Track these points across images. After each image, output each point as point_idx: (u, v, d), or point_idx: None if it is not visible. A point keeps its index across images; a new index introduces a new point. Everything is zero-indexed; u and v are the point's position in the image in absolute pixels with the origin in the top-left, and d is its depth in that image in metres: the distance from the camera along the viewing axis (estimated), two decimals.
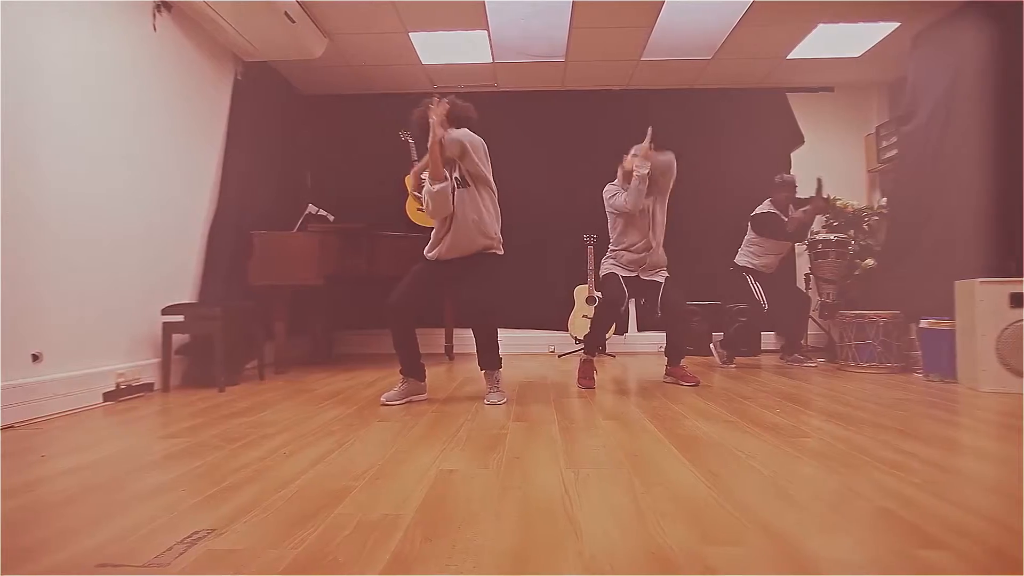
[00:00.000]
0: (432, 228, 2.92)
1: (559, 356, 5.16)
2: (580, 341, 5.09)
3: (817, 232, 5.09)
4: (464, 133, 2.75)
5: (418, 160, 2.88)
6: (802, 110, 5.49)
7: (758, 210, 4.41)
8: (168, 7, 3.54)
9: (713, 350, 4.57)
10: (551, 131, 5.56)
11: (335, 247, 4.25)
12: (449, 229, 2.81)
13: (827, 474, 1.65)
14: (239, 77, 4.35)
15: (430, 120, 2.71)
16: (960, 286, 3.29)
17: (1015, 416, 2.45)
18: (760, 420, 2.36)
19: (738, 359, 4.52)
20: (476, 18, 4.18)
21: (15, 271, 2.51)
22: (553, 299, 5.31)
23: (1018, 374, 2.99)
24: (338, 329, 5.38)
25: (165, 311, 3.34)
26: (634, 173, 3.26)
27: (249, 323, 3.74)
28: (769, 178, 4.47)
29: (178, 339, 3.46)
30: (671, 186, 3.40)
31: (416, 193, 2.93)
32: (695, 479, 1.58)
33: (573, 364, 4.56)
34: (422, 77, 5.15)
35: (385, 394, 2.86)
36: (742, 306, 4.50)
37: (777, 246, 4.40)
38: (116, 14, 3.14)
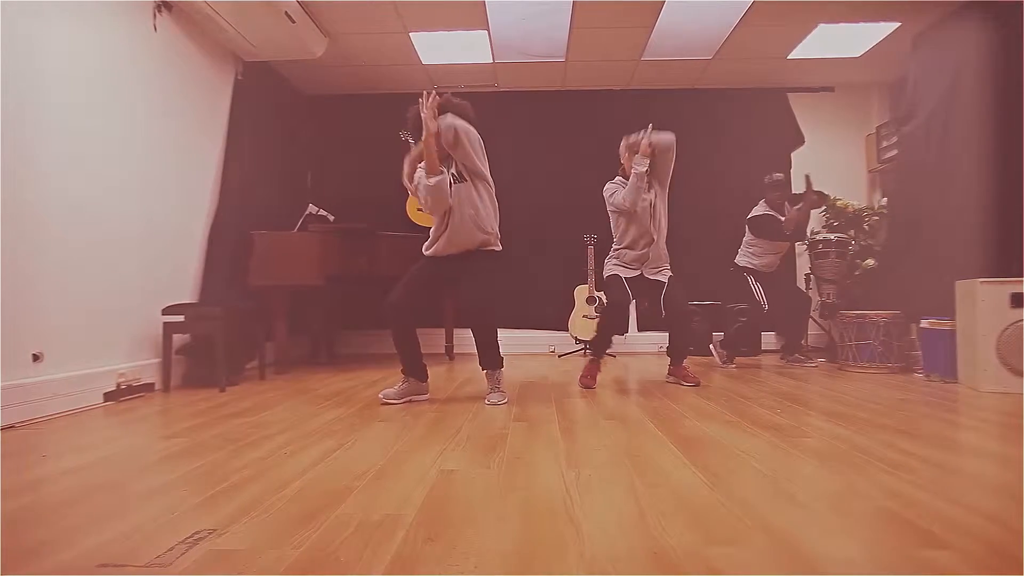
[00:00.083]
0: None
1: (559, 356, 5.16)
2: (580, 341, 5.11)
3: (817, 232, 5.09)
4: (458, 121, 2.70)
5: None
6: (803, 110, 5.49)
7: (754, 212, 4.41)
8: (168, 7, 3.54)
9: (713, 350, 4.57)
10: (551, 131, 5.56)
11: (336, 247, 4.26)
12: (447, 225, 2.80)
13: (828, 474, 1.65)
14: (239, 77, 4.35)
15: (422, 114, 2.68)
16: (961, 286, 3.29)
17: (1016, 416, 2.45)
18: (761, 420, 2.36)
19: (739, 359, 4.52)
20: (476, 18, 4.18)
21: (15, 271, 2.51)
22: (553, 299, 5.32)
23: (1018, 374, 2.99)
24: (339, 329, 5.38)
25: (166, 311, 3.34)
26: (632, 171, 3.27)
27: (250, 323, 3.74)
28: None
29: (179, 339, 3.46)
30: (671, 171, 3.37)
31: (407, 183, 2.88)
32: (696, 479, 1.58)
33: (573, 364, 4.57)
34: (422, 77, 5.15)
35: (384, 391, 2.86)
36: (742, 306, 4.50)
37: (776, 246, 4.41)
38: (116, 14, 3.14)
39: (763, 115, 5.47)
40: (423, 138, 2.69)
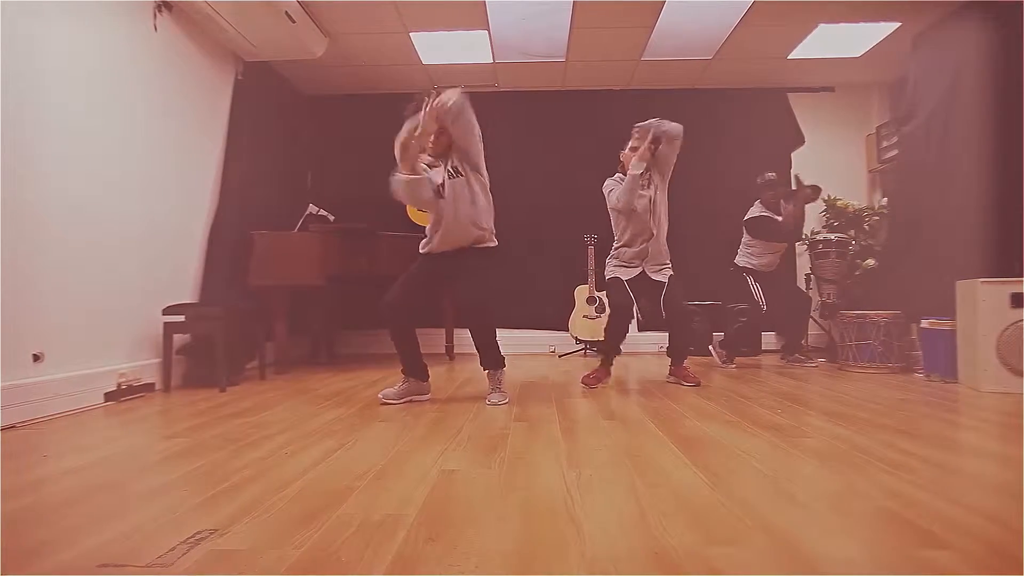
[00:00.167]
0: None
1: (559, 356, 5.16)
2: (580, 341, 5.11)
3: (818, 232, 5.10)
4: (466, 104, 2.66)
5: (425, 156, 2.81)
6: (803, 110, 5.49)
7: (750, 214, 4.40)
8: (169, 7, 3.54)
9: (712, 351, 4.57)
10: (552, 131, 5.56)
11: (336, 247, 4.26)
12: (441, 221, 2.78)
13: (828, 474, 1.65)
14: (240, 77, 4.35)
15: (422, 111, 2.63)
16: (961, 286, 3.29)
17: (1016, 416, 2.45)
18: (761, 420, 2.36)
19: (739, 359, 4.52)
20: (477, 18, 4.18)
21: (15, 271, 2.51)
22: (553, 299, 5.32)
23: (1019, 374, 2.99)
24: (339, 329, 5.38)
25: (166, 311, 3.34)
26: (629, 172, 3.26)
27: (250, 323, 3.74)
28: None
29: (179, 339, 3.46)
30: (673, 164, 3.36)
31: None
32: (697, 479, 1.59)
33: (574, 364, 4.58)
34: (422, 77, 5.15)
35: (384, 391, 2.86)
36: (742, 306, 4.50)
37: (774, 246, 4.41)
38: (116, 14, 3.14)
39: (763, 115, 5.47)
40: (415, 134, 2.64)
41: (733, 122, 5.44)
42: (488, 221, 2.85)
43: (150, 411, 2.81)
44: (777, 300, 4.38)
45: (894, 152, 4.81)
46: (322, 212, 4.56)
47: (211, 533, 1.24)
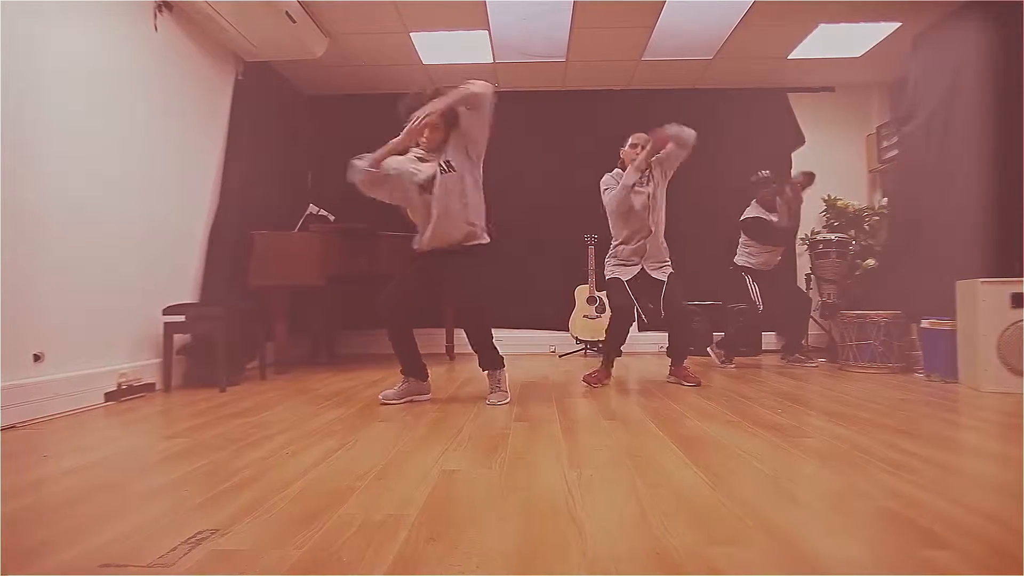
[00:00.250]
0: None
1: (560, 356, 5.16)
2: (581, 341, 5.11)
3: (818, 232, 5.10)
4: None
5: (417, 150, 2.79)
6: (803, 110, 5.49)
7: (745, 215, 4.39)
8: (169, 7, 3.54)
9: (711, 352, 4.57)
10: (552, 131, 5.56)
11: (336, 247, 4.26)
12: (432, 217, 2.75)
13: (829, 474, 1.65)
14: (240, 77, 4.35)
15: (427, 110, 2.60)
16: (961, 286, 3.29)
17: (1016, 416, 2.45)
18: (762, 420, 2.36)
19: (739, 359, 4.52)
20: (477, 18, 4.18)
21: (15, 271, 2.51)
22: (553, 299, 5.32)
23: (1019, 374, 2.99)
24: (339, 329, 5.38)
25: (166, 311, 3.34)
26: (622, 182, 3.25)
27: (250, 323, 3.74)
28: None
29: (179, 339, 3.46)
30: (676, 165, 3.35)
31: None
32: (698, 479, 1.59)
33: (574, 364, 4.58)
34: (423, 77, 5.14)
35: (384, 392, 2.86)
36: (742, 306, 4.51)
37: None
38: (117, 14, 3.14)
39: (763, 115, 5.47)
40: (412, 125, 2.61)
41: (733, 122, 5.43)
42: (480, 218, 2.82)
43: (150, 411, 2.80)
44: (777, 300, 4.37)
45: (894, 152, 4.81)
46: (322, 212, 4.56)
47: (212, 533, 1.24)
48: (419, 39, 4.49)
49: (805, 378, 3.73)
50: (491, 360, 2.88)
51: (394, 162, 2.77)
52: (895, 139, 4.80)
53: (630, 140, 3.38)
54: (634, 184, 3.26)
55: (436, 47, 4.63)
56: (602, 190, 3.44)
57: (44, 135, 2.68)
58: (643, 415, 2.50)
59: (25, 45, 2.58)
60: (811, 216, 5.34)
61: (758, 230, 4.32)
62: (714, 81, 5.33)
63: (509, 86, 5.46)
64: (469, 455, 1.87)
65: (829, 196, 5.24)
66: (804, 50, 4.72)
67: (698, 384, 3.29)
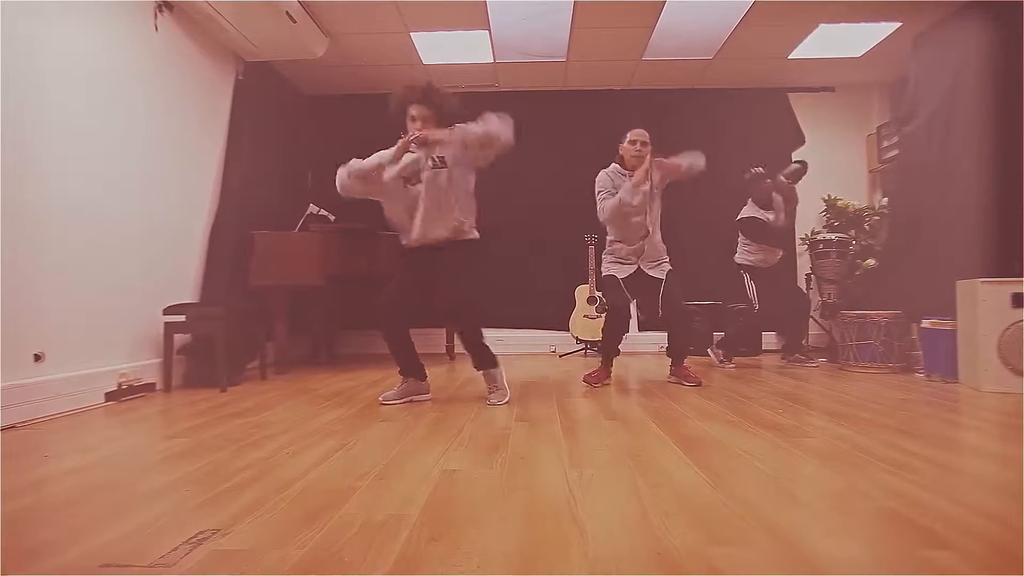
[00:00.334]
0: None
1: (560, 356, 5.16)
2: (581, 341, 5.11)
3: (818, 232, 5.10)
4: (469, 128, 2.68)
5: (415, 151, 2.78)
6: (803, 110, 5.49)
7: (742, 214, 4.38)
8: (169, 7, 3.54)
9: (711, 352, 4.56)
10: (552, 131, 5.55)
11: (336, 247, 4.26)
12: (418, 210, 2.72)
13: (830, 474, 1.65)
14: (240, 77, 4.35)
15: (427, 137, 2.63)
16: (962, 286, 3.29)
17: (1017, 416, 2.45)
18: (762, 420, 2.36)
19: (739, 359, 4.52)
20: (477, 18, 4.18)
21: (16, 271, 2.51)
22: (554, 299, 5.32)
23: (1019, 374, 2.99)
24: (339, 329, 5.38)
25: (167, 311, 3.34)
26: (620, 193, 3.24)
27: (250, 323, 3.74)
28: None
29: (180, 339, 3.46)
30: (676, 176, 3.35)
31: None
32: (698, 479, 1.59)
33: (574, 364, 4.57)
34: (423, 77, 5.15)
35: (384, 394, 2.86)
36: (742, 306, 4.50)
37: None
38: (117, 14, 3.14)
39: (764, 115, 5.47)
40: (404, 140, 2.63)
41: (733, 122, 5.43)
42: (469, 215, 2.79)
43: (151, 411, 2.80)
44: (777, 300, 4.37)
45: (895, 152, 4.81)
46: (322, 212, 4.55)
47: (213, 533, 1.24)
48: (419, 39, 4.49)
49: (806, 378, 3.73)
50: (486, 359, 2.85)
51: (375, 156, 2.76)
52: (895, 139, 4.80)
53: (628, 136, 3.36)
54: (634, 200, 3.24)
55: (436, 47, 4.63)
56: (596, 191, 3.40)
57: (44, 135, 2.68)
58: (644, 415, 2.50)
59: (25, 45, 2.58)
60: (811, 216, 5.35)
61: (754, 230, 4.32)
62: (714, 81, 5.33)
63: (509, 86, 5.46)
64: (470, 455, 1.87)
65: (829, 196, 5.24)
66: (804, 50, 4.72)
67: (699, 384, 3.28)
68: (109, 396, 2.96)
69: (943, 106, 3.88)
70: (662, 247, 3.43)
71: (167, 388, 3.32)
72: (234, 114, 4.26)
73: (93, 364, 2.92)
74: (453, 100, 2.79)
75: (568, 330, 5.16)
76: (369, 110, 5.62)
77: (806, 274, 5.10)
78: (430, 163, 2.71)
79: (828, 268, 4.80)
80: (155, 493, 1.55)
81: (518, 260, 5.44)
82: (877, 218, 5.03)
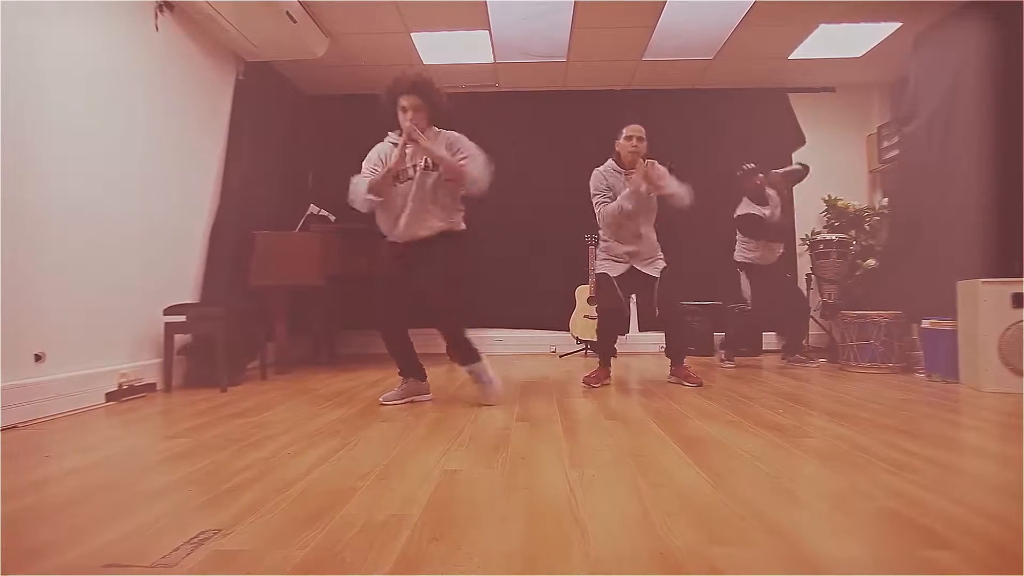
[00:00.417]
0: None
1: (560, 356, 5.16)
2: (581, 341, 5.11)
3: (819, 232, 5.10)
4: (462, 142, 2.71)
5: (394, 136, 2.77)
6: (803, 110, 5.49)
7: (738, 212, 4.36)
8: (170, 7, 3.54)
9: (720, 356, 4.54)
10: (552, 131, 5.56)
11: (336, 247, 4.26)
12: (406, 205, 2.69)
13: (830, 474, 1.65)
14: (241, 77, 4.35)
15: (421, 145, 2.62)
16: (962, 286, 3.29)
17: (1017, 416, 2.45)
18: (763, 420, 2.36)
19: (739, 359, 4.51)
20: (477, 18, 4.18)
21: (17, 271, 2.51)
22: (554, 299, 5.31)
23: (1020, 374, 2.99)
24: (339, 329, 5.38)
25: (167, 311, 3.34)
26: (619, 199, 3.23)
27: (251, 323, 3.74)
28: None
29: (180, 339, 3.46)
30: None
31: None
32: (699, 479, 1.59)
33: (574, 364, 4.57)
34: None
35: (385, 394, 2.86)
36: (742, 306, 4.50)
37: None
38: (117, 14, 3.14)
39: (764, 115, 5.47)
40: (401, 141, 2.63)
41: (734, 122, 5.43)
42: (455, 214, 2.77)
43: (151, 411, 2.81)
44: (776, 299, 4.37)
45: (895, 152, 4.81)
46: (323, 212, 4.55)
47: (215, 533, 1.24)
48: (420, 39, 4.49)
49: (806, 378, 3.73)
50: (469, 354, 2.78)
51: (374, 164, 2.75)
52: (896, 139, 4.80)
53: (624, 132, 3.36)
54: (632, 206, 3.23)
55: (437, 47, 4.63)
56: (592, 193, 3.39)
57: (44, 135, 2.68)
58: (644, 415, 2.50)
59: (25, 45, 2.58)
60: (812, 216, 5.35)
61: (751, 226, 4.30)
62: (715, 81, 5.33)
63: (510, 86, 5.46)
64: (471, 455, 1.87)
65: (830, 196, 5.24)
66: (805, 50, 4.72)
67: (700, 384, 3.27)
68: (110, 396, 2.96)
69: (943, 106, 3.88)
70: (656, 245, 3.41)
71: (168, 388, 3.32)
72: (234, 114, 4.26)
73: (93, 364, 2.92)
74: (442, 93, 2.77)
75: (568, 330, 5.16)
76: (369, 110, 5.56)
77: (806, 274, 5.09)
78: (422, 164, 2.70)
79: (828, 268, 4.80)
80: (156, 493, 1.56)
81: (518, 260, 5.44)
82: (877, 218, 5.02)
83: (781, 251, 4.42)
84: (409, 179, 2.70)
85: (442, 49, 4.67)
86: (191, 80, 3.80)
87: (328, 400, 2.97)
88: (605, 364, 3.43)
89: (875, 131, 5.28)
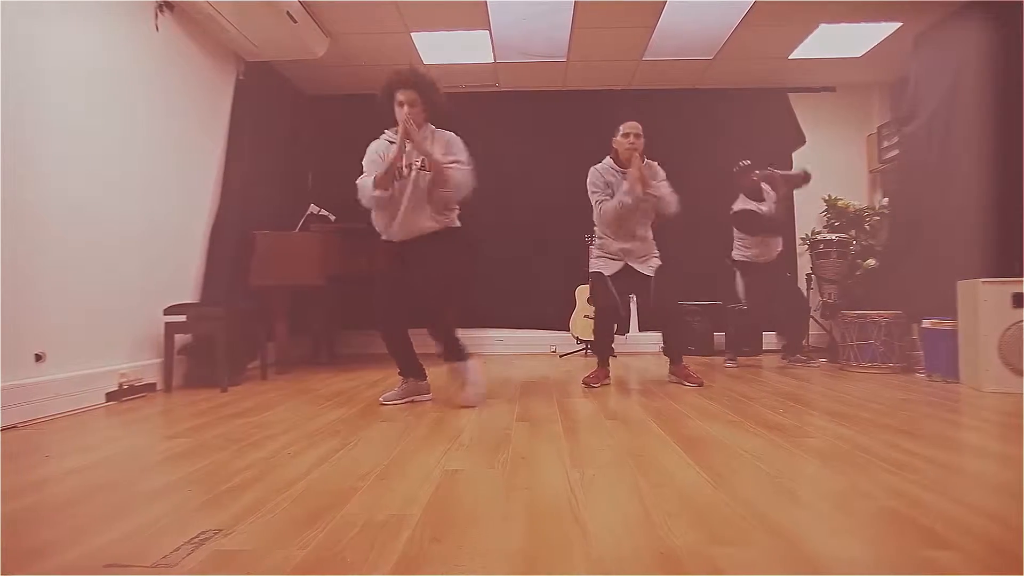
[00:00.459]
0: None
1: (560, 356, 5.16)
2: (582, 341, 5.11)
3: (819, 232, 5.10)
4: (456, 145, 2.71)
5: (390, 134, 2.77)
6: (804, 110, 5.49)
7: (734, 208, 4.35)
8: (170, 7, 3.54)
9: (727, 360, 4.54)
10: (552, 131, 5.56)
11: (337, 247, 4.26)
12: (401, 203, 2.68)
13: (831, 474, 1.65)
14: (241, 77, 4.35)
15: (416, 143, 2.63)
16: (962, 286, 3.29)
17: (1017, 416, 2.45)
18: (763, 420, 2.36)
19: (740, 359, 4.51)
20: (478, 18, 4.18)
21: (17, 271, 2.51)
22: (554, 299, 5.32)
23: (1020, 374, 2.99)
24: (340, 329, 5.37)
25: (167, 311, 3.34)
26: (618, 198, 3.23)
27: (251, 323, 3.74)
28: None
29: (180, 339, 3.46)
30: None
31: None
32: (700, 479, 1.59)
33: (575, 364, 4.57)
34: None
35: (385, 394, 2.86)
36: (739, 306, 4.50)
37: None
38: (117, 14, 3.14)
39: (764, 115, 5.47)
40: (399, 135, 2.63)
41: (734, 122, 5.43)
42: (449, 212, 2.76)
43: (152, 411, 2.80)
44: (775, 299, 4.36)
45: (895, 152, 4.81)
46: (323, 212, 4.56)
47: (215, 533, 1.24)
48: (420, 39, 4.49)
49: (806, 378, 3.73)
50: (456, 350, 2.77)
51: (375, 165, 2.74)
52: (896, 139, 4.80)
53: (621, 129, 3.36)
54: (631, 201, 3.23)
55: (437, 47, 4.63)
56: (590, 192, 3.38)
57: (44, 135, 2.68)
58: (645, 415, 2.50)
59: (25, 45, 2.57)
60: (812, 216, 5.35)
61: (749, 222, 4.29)
62: (715, 81, 5.33)
63: (510, 86, 5.46)
64: (471, 455, 1.87)
65: (830, 196, 5.24)
66: (805, 50, 4.72)
67: (700, 384, 3.27)
68: (110, 396, 2.96)
69: (943, 106, 3.88)
70: (652, 243, 3.40)
71: (168, 388, 3.32)
72: (235, 114, 4.26)
73: (94, 364, 2.92)
74: (441, 90, 2.78)
75: (568, 330, 5.16)
76: (369, 110, 5.61)
77: (807, 274, 5.09)
78: (417, 163, 2.69)
79: (828, 268, 4.80)
80: (156, 493, 1.55)
81: (518, 260, 5.44)
82: (877, 218, 5.03)
83: (780, 248, 4.39)
84: (404, 178, 2.69)
85: (442, 49, 4.67)
86: (191, 80, 3.80)
87: (328, 400, 2.97)
88: (604, 364, 3.43)
89: (875, 131, 5.28)
